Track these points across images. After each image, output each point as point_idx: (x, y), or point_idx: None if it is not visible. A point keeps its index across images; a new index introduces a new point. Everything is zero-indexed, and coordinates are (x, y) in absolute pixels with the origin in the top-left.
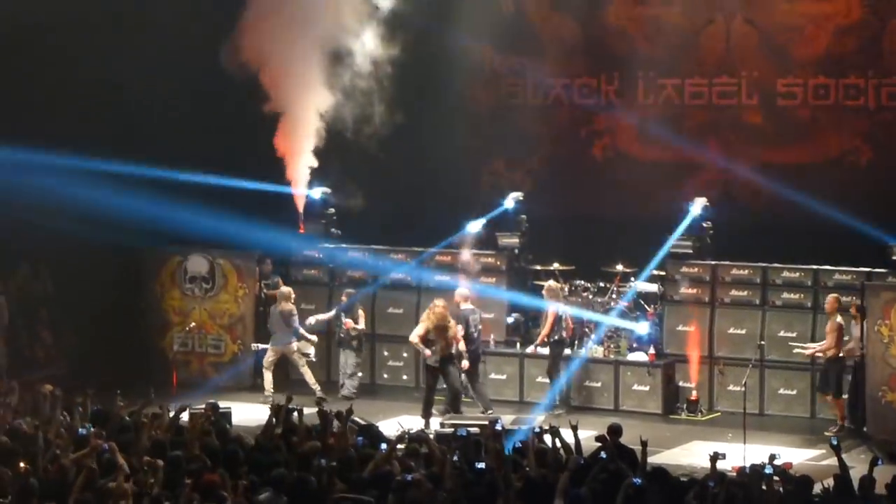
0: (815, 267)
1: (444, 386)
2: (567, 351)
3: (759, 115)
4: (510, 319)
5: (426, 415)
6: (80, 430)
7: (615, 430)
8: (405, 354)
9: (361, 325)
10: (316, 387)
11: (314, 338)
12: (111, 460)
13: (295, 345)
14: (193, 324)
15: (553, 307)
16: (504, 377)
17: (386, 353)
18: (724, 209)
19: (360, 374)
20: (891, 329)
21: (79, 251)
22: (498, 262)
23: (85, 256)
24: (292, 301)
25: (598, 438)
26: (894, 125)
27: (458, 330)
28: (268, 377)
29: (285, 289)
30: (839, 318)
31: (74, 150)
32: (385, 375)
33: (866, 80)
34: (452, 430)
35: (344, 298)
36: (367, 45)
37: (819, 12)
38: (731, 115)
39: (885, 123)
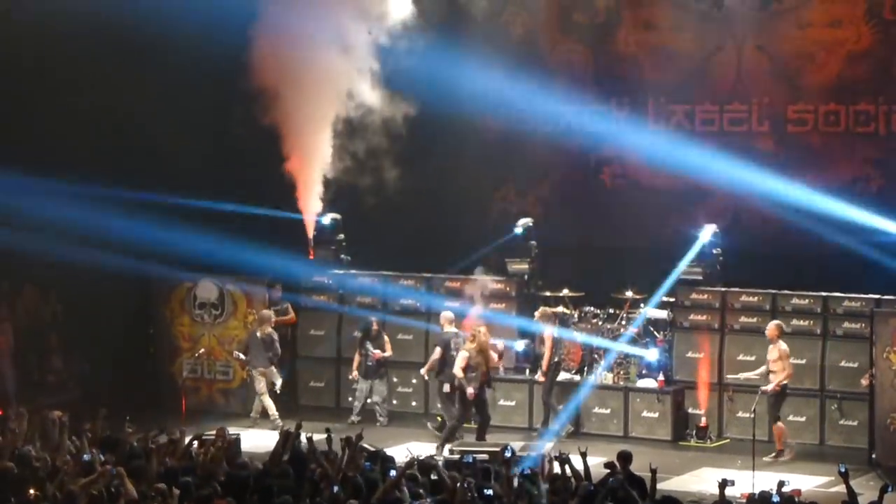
0: (824, 294)
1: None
2: (577, 377)
3: (770, 141)
4: (520, 346)
5: (447, 442)
6: (84, 455)
7: (625, 457)
8: (414, 381)
9: (388, 353)
10: (255, 415)
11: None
12: (119, 487)
13: (273, 369)
14: (203, 350)
15: (549, 331)
16: (513, 403)
17: (395, 380)
18: (734, 236)
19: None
20: None
21: (88, 276)
22: (508, 289)
23: (94, 282)
24: (272, 325)
25: (607, 465)
26: None
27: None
28: (268, 402)
29: (266, 312)
30: (783, 345)
31: (84, 176)
32: (394, 402)
33: (877, 107)
34: (460, 456)
35: (375, 327)
36: (375, 91)
37: (830, 39)
38: (741, 142)
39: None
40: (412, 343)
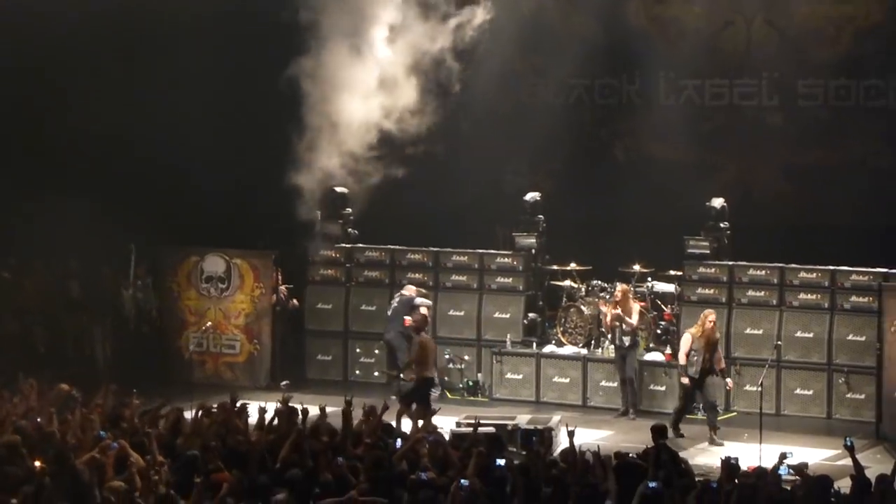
0: (831, 268)
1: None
2: (583, 351)
3: (779, 115)
4: (526, 320)
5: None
6: (99, 433)
7: (659, 431)
8: None
9: None
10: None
11: None
12: (123, 458)
13: None
14: (209, 323)
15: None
16: (520, 377)
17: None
18: (744, 210)
19: None
20: None
21: (96, 250)
22: (515, 263)
23: (103, 255)
24: None
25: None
26: None
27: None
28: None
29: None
30: (424, 335)
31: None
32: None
33: (887, 82)
34: (470, 429)
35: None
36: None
37: (839, 14)
38: (751, 116)
39: None
40: None
